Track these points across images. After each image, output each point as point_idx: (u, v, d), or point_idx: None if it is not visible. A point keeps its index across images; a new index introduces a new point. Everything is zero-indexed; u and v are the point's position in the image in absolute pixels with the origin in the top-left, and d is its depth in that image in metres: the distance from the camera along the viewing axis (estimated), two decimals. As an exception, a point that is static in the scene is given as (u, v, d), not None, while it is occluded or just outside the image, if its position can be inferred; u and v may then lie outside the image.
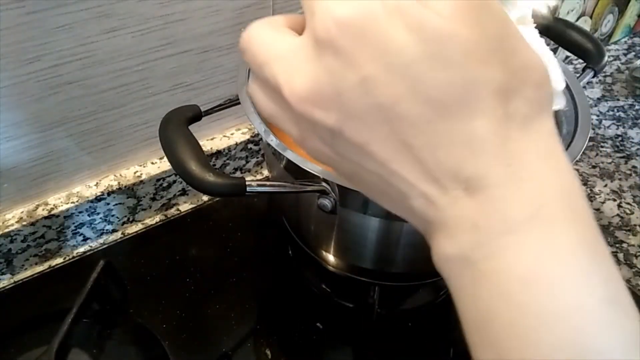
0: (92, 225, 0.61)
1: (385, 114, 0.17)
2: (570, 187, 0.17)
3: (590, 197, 0.71)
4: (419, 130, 0.17)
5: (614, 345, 0.16)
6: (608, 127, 0.83)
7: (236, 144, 0.66)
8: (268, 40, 0.20)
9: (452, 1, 0.16)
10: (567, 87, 0.48)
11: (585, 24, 0.95)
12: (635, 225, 0.67)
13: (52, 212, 0.56)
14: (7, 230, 0.54)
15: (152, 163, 0.63)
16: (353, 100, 0.17)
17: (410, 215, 0.20)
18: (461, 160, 0.17)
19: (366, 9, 0.17)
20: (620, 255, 0.63)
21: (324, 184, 0.39)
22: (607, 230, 0.66)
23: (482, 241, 0.17)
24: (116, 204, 0.61)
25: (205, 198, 0.68)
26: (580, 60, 0.69)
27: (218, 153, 0.65)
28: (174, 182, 0.64)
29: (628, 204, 0.70)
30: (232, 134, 0.67)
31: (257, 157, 0.71)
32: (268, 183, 0.40)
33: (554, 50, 0.89)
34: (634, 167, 0.75)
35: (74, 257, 0.61)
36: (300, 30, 0.20)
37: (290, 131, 0.21)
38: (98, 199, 0.59)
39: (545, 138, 0.17)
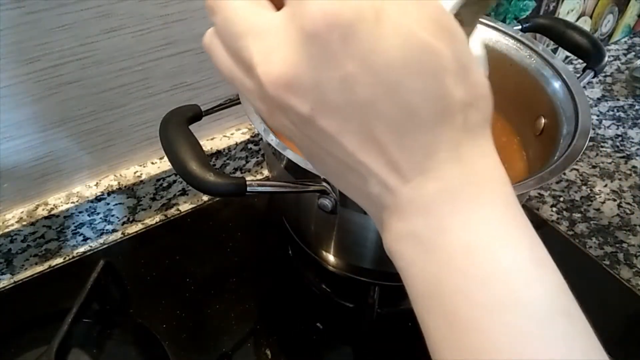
0: (92, 225, 0.61)
1: (360, 111, 0.18)
2: (503, 178, 0.21)
3: (590, 197, 0.71)
4: (390, 129, 0.19)
5: (541, 296, 0.19)
6: (608, 127, 0.83)
7: (236, 144, 0.66)
8: (243, 9, 0.20)
9: (434, 18, 0.18)
10: (567, 87, 0.49)
11: (585, 24, 0.95)
12: (635, 225, 0.67)
13: (52, 212, 0.56)
14: (7, 230, 0.54)
15: (152, 163, 0.63)
16: (331, 94, 0.18)
17: (364, 199, 0.22)
18: (422, 157, 0.19)
19: (357, 10, 0.17)
20: (620, 255, 0.63)
21: (324, 183, 0.39)
22: (607, 230, 0.66)
23: (432, 220, 0.20)
24: (116, 204, 0.61)
25: (205, 198, 0.68)
26: (580, 61, 0.69)
27: (218, 153, 0.65)
28: (174, 182, 0.64)
29: (628, 204, 0.70)
30: (232, 134, 0.67)
31: (257, 157, 0.71)
32: (268, 183, 0.40)
33: (554, 51, 0.89)
34: (634, 167, 0.75)
35: (74, 257, 0.61)
36: (273, 1, 0.20)
37: (254, 102, 0.21)
38: (98, 199, 0.59)
39: (487, 141, 0.21)
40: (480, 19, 0.58)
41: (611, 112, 0.86)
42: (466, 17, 0.25)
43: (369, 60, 0.17)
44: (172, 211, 0.67)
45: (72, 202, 0.57)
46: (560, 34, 0.55)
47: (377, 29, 0.17)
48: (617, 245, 0.64)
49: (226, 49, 0.21)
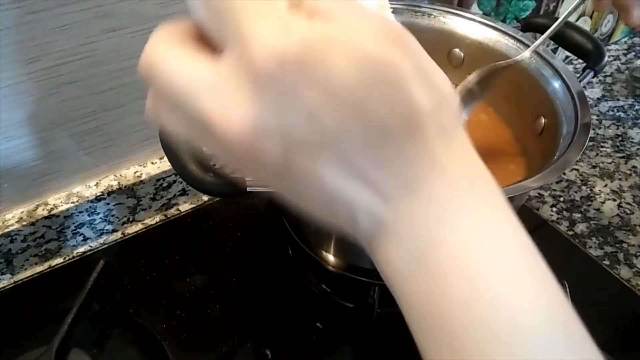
0: (92, 225, 0.61)
1: (332, 141, 0.18)
2: (487, 179, 0.20)
3: (590, 197, 0.71)
4: (366, 153, 0.18)
5: (542, 317, 0.19)
6: (608, 127, 0.83)
7: (236, 144, 0.66)
8: (182, 65, 0.18)
9: (383, 30, 0.17)
10: (567, 87, 0.49)
11: (585, 24, 0.95)
12: (635, 225, 0.67)
13: (52, 212, 0.56)
14: (7, 230, 0.54)
15: (152, 163, 0.63)
16: (299, 131, 0.17)
17: (352, 227, 0.21)
18: (402, 171, 0.19)
19: (305, 41, 0.16)
20: (620, 255, 0.63)
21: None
22: (607, 230, 0.66)
23: (422, 238, 0.19)
24: (116, 204, 0.61)
25: (205, 198, 0.68)
26: (580, 61, 0.69)
27: (218, 153, 0.65)
28: (174, 182, 0.64)
29: (628, 204, 0.70)
30: (232, 134, 0.67)
31: (257, 157, 0.71)
32: (268, 183, 0.40)
33: (554, 50, 0.89)
34: (634, 167, 0.75)
35: (74, 257, 0.61)
36: (202, 39, 0.19)
37: (223, 158, 0.20)
38: (98, 199, 0.59)
39: (463, 142, 0.20)
40: (480, 19, 0.58)
41: (611, 112, 0.86)
42: (478, 90, 0.26)
43: (328, 88, 0.17)
44: (172, 211, 0.67)
45: (72, 202, 0.57)
46: (560, 34, 0.55)
47: (329, 55, 0.17)
48: (617, 245, 0.64)
49: (175, 112, 0.19)
